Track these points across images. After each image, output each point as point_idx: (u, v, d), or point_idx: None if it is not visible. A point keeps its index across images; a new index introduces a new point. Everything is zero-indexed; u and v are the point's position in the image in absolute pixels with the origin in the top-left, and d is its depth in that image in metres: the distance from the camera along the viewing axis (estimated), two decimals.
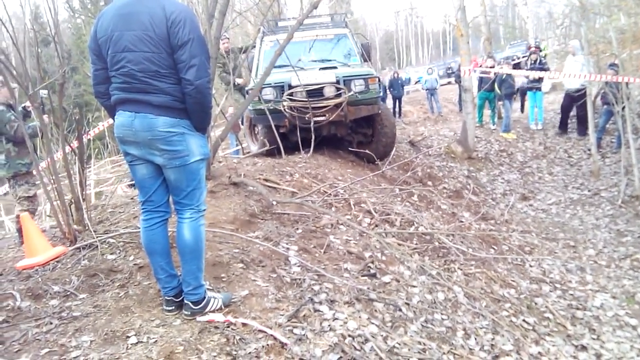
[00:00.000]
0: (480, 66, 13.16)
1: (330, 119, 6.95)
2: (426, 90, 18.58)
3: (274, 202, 4.84)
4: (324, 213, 4.80)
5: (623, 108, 8.69)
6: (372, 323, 3.27)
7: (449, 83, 24.99)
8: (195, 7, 7.74)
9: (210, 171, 5.34)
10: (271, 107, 6.87)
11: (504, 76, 11.90)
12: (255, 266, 3.57)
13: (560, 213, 8.61)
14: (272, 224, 4.44)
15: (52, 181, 3.97)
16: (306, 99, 6.80)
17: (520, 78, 12.75)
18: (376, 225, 5.00)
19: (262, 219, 4.53)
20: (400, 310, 3.58)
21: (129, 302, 2.98)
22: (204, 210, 2.87)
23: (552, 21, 19.26)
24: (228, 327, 2.75)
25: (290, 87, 6.94)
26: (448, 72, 29.15)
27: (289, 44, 7.45)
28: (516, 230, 7.30)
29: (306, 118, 6.85)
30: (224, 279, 3.30)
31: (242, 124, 10.43)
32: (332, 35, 8.53)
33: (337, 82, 6.98)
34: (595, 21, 10.66)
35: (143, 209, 2.84)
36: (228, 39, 9.73)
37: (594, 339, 4.58)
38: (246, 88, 8.02)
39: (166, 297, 2.88)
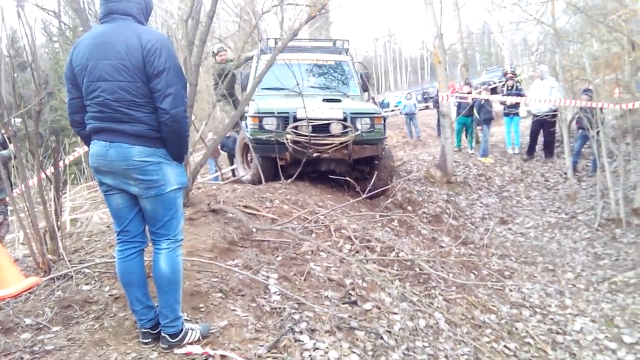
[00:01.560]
0: (457, 91, 13.37)
1: (334, 157, 6.71)
2: (405, 115, 18.65)
3: (254, 229, 4.79)
4: (304, 240, 4.76)
5: (598, 132, 8.87)
6: (354, 352, 3.22)
7: (427, 108, 25.38)
8: (175, 33, 7.75)
9: (188, 198, 5.29)
10: (272, 139, 6.55)
11: (482, 102, 12.11)
12: (234, 295, 3.51)
13: (539, 236, 8.69)
14: (251, 251, 4.39)
15: (26, 209, 3.88)
16: (312, 135, 6.52)
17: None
18: (357, 252, 4.97)
19: (241, 247, 4.48)
20: (381, 338, 3.54)
21: (104, 335, 2.90)
22: (182, 240, 2.84)
23: (527, 48, 19.70)
24: (206, 359, 2.69)
25: (295, 119, 6.62)
26: (424, 96, 29.80)
27: (288, 66, 7.33)
28: (495, 254, 7.33)
29: (308, 153, 6.60)
30: (202, 309, 3.24)
31: (222, 149, 10.32)
32: (333, 62, 8.32)
33: (344, 119, 6.71)
34: (569, 48, 10.96)
35: (118, 239, 2.79)
36: (225, 50, 9.63)
37: None
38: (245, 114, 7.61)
39: (142, 330, 2.80)
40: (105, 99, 2.55)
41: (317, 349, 3.10)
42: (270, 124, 6.64)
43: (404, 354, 3.50)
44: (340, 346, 3.23)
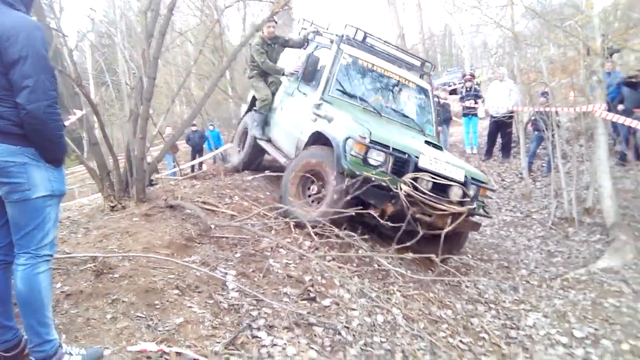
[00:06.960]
0: None
1: (435, 223, 5.24)
2: None
3: (212, 226, 4.74)
4: (264, 236, 4.74)
5: (553, 134, 9.11)
6: (312, 348, 3.23)
7: None
8: (134, 25, 7.58)
9: (145, 193, 5.19)
10: (379, 182, 5.00)
11: (441, 102, 12.30)
12: (191, 292, 3.46)
13: (494, 234, 8.86)
14: (209, 247, 4.34)
15: None
16: (430, 194, 5.11)
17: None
18: (316, 248, 4.98)
19: (199, 243, 4.42)
20: (339, 334, 3.56)
21: None
22: (47, 255, 2.47)
23: (487, 50, 20.14)
24: (161, 356, 2.64)
25: (416, 167, 5.15)
26: None
27: (371, 69, 6.45)
28: None
29: (413, 211, 5.06)
30: (157, 307, 3.18)
31: (187, 143, 10.09)
32: (415, 85, 6.97)
33: (464, 183, 5.39)
34: (527, 51, 11.22)
35: None
36: (276, 22, 8.00)
37: (527, 357, 4.70)
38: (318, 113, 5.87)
39: None
40: None
41: (275, 345, 3.09)
42: (378, 160, 5.10)
43: (361, 349, 3.53)
44: (299, 342, 3.23)
